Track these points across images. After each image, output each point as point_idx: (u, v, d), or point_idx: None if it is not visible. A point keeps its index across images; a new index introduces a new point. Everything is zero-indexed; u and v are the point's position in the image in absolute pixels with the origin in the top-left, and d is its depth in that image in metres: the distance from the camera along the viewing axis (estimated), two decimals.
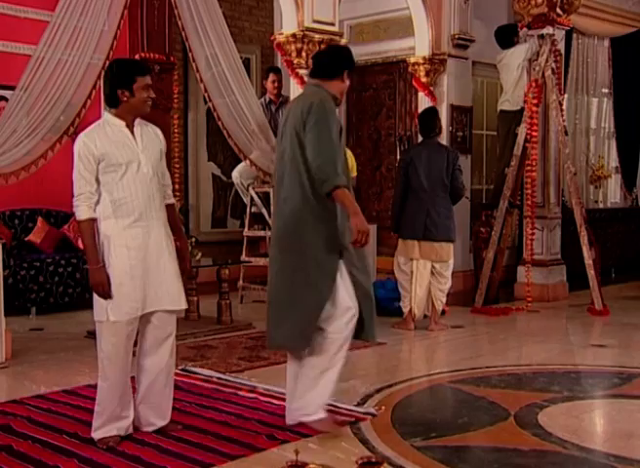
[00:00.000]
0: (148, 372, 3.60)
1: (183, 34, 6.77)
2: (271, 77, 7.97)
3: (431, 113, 6.58)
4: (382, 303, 6.94)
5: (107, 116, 3.55)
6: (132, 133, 3.55)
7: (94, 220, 3.46)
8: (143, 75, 3.50)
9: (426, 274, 6.25)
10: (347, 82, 3.87)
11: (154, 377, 3.59)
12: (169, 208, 3.72)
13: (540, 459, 3.39)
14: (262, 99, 8.01)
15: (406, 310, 6.39)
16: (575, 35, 9.16)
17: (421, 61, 8.04)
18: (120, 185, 3.46)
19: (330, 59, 3.89)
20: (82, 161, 3.43)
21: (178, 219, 3.89)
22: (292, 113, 3.72)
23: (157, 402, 3.63)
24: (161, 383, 3.62)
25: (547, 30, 7.60)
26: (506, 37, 7.86)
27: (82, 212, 3.45)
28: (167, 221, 3.66)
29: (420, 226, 6.16)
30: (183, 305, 3.66)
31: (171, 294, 3.57)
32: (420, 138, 6.78)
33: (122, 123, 3.52)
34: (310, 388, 3.65)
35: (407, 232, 6.25)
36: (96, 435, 3.53)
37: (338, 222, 3.65)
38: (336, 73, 3.81)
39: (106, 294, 3.42)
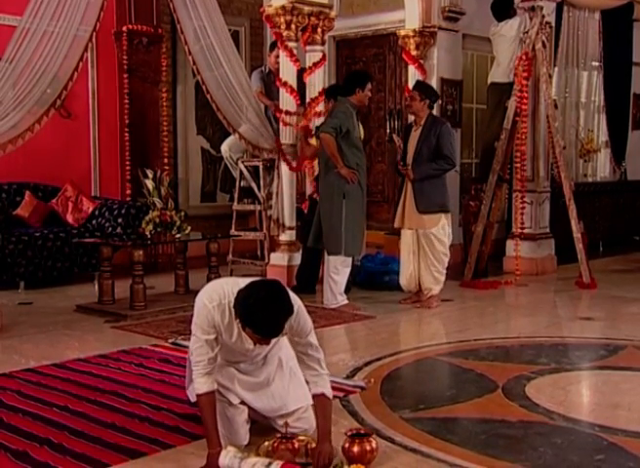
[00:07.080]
0: None
1: (171, 6, 6.68)
2: (276, 52, 7.80)
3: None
4: (372, 277, 6.97)
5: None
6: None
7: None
8: (262, 337, 2.89)
9: None
10: (365, 93, 6.00)
11: None
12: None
13: (527, 430, 3.42)
14: (262, 68, 7.93)
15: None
16: (565, 8, 9.09)
17: (411, 34, 7.95)
18: None
19: (344, 82, 6.29)
20: (206, 345, 3.01)
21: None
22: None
23: None
24: None
25: (538, 2, 7.56)
26: (502, 9, 7.81)
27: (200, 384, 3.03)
28: None
29: None
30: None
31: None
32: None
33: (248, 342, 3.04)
34: None
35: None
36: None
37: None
38: (350, 91, 5.98)
39: None
